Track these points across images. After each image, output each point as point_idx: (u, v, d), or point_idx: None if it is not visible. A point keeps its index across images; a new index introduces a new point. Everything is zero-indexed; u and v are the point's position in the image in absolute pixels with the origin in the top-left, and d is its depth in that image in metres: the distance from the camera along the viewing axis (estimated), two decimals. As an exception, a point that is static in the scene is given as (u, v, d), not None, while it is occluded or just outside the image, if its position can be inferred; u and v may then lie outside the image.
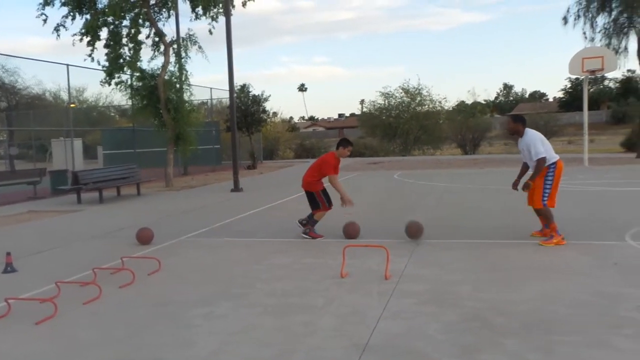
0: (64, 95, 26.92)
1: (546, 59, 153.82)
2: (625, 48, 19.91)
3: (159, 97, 15.40)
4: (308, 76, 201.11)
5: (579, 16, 19.82)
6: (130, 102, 18.44)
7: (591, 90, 71.35)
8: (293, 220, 8.84)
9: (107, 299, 4.67)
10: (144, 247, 6.92)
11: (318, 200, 7.01)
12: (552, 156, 6.26)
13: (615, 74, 73.62)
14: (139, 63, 15.47)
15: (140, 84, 15.62)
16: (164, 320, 4.09)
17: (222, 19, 15.75)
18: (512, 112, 74.85)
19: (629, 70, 65.91)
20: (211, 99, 24.86)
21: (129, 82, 15.87)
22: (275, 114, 42.60)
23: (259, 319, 4.06)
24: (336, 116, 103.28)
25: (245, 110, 23.51)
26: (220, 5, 15.88)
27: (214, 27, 16.63)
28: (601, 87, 73.29)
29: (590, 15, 19.63)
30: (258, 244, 6.98)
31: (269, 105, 42.49)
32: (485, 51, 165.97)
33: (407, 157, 31.26)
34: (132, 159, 18.25)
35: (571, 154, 23.36)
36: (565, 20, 20.20)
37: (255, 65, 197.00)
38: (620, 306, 3.99)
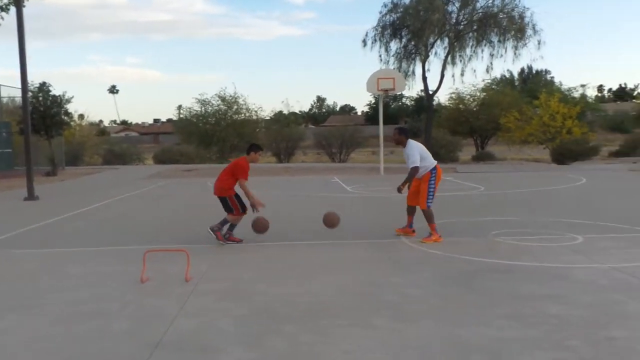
0: None
1: (354, 75, 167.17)
2: (413, 72, 22.86)
3: None
4: (120, 78, 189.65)
5: (375, 40, 22.24)
6: None
7: (392, 106, 79.58)
8: (93, 229, 8.48)
9: None
10: None
11: (231, 205, 6.91)
12: (432, 162, 6.97)
13: (411, 93, 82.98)
14: None
15: None
16: None
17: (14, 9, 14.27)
18: (325, 123, 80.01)
19: (422, 90, 75.77)
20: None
21: None
22: (81, 116, 39.53)
23: (49, 328, 3.93)
24: (151, 121, 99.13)
25: (44, 111, 21.47)
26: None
27: (2, 18, 14.99)
28: (400, 103, 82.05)
29: (384, 40, 22.15)
30: (52, 254, 6.59)
31: (73, 107, 39.23)
32: (300, 64, 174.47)
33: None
34: None
35: (371, 164, 25.90)
36: (364, 42, 22.47)
37: (58, 62, 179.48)
38: (385, 292, 4.73)
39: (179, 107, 43.35)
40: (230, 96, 36.83)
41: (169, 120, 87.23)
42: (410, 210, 7.35)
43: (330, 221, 7.06)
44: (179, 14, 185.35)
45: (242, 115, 36.95)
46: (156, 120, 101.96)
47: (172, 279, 5.25)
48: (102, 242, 7.28)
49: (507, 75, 72.16)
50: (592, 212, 9.32)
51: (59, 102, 22.10)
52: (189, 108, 37.56)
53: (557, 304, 4.27)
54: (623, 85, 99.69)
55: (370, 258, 6.11)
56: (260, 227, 6.83)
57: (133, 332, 3.81)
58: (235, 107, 36.76)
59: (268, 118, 42.81)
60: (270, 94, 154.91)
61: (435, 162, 7.08)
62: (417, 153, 6.94)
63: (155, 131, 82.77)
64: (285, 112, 49.08)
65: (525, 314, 4.04)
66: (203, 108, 36.74)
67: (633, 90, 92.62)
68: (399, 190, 7.12)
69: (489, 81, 40.45)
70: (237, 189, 7.00)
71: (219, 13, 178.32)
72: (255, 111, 37.77)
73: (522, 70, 75.67)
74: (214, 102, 36.76)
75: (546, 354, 3.31)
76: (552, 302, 4.31)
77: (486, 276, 5.18)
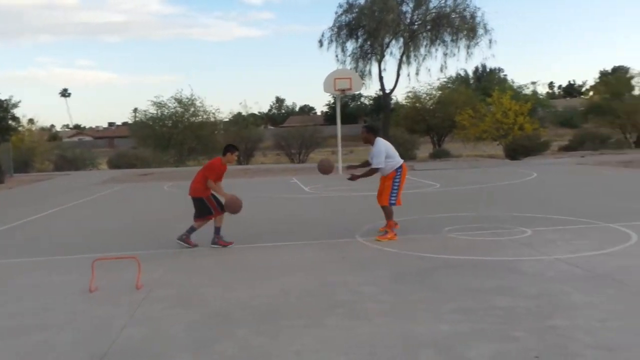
0: None
1: (313, 75, 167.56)
2: (370, 71, 23.08)
3: None
4: (72, 80, 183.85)
5: (332, 41, 22.35)
6: None
7: (351, 105, 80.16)
8: (41, 238, 8.22)
9: None
10: None
11: (209, 205, 6.83)
12: (398, 161, 7.03)
13: (370, 92, 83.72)
14: None
15: None
16: None
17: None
18: (284, 123, 79.88)
19: (380, 89, 76.51)
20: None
21: None
22: (31, 121, 38.19)
23: (-12, 344, 3.77)
24: (106, 125, 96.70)
25: (-10, 116, 20.67)
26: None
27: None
28: (359, 103, 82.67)
29: (341, 40, 22.28)
30: (-3, 265, 6.34)
31: (21, 111, 37.84)
32: (259, 65, 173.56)
33: (182, 168, 30.99)
34: None
35: (330, 163, 25.98)
36: (320, 43, 22.55)
37: (5, 65, 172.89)
38: (339, 291, 4.75)
39: (135, 109, 42.47)
40: (187, 98, 36.34)
41: (125, 124, 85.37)
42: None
43: (325, 168, 7.22)
44: (133, 15, 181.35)
45: (200, 117, 36.49)
46: (111, 124, 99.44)
47: (123, 287, 5.13)
48: (51, 251, 7.06)
49: (462, 73, 74.09)
50: (541, 205, 9.62)
51: (4, 107, 21.29)
52: (145, 111, 36.86)
53: (504, 296, 4.39)
54: (572, 82, 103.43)
55: (326, 258, 6.13)
56: (233, 208, 6.71)
57: (78, 344, 3.70)
58: (193, 109, 36.28)
59: (227, 120, 42.42)
60: (229, 95, 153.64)
61: (401, 161, 7.16)
62: (384, 154, 7.00)
63: (110, 135, 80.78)
64: (244, 113, 48.73)
65: (474, 308, 4.13)
66: (159, 111, 36.10)
67: (581, 86, 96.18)
68: (350, 177, 7.27)
69: (445, 80, 41.32)
70: None
71: (175, 13, 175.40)
72: (213, 113, 37.38)
73: (477, 68, 77.57)
74: (170, 104, 36.18)
75: (493, 345, 3.39)
76: (499, 295, 4.42)
77: (439, 272, 5.28)
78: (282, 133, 39.76)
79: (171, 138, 34.68)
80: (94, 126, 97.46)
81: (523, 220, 7.92)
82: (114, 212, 11.33)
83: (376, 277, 5.19)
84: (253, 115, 55.93)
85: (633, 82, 39.01)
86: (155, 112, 36.33)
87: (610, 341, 3.37)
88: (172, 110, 36.25)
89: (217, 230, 6.94)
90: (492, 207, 9.66)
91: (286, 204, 11.46)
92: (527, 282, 4.78)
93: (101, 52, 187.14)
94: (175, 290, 4.97)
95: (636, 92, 37.60)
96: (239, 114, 48.31)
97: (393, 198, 7.04)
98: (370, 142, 7.17)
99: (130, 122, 48.17)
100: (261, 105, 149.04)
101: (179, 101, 36.05)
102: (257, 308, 4.36)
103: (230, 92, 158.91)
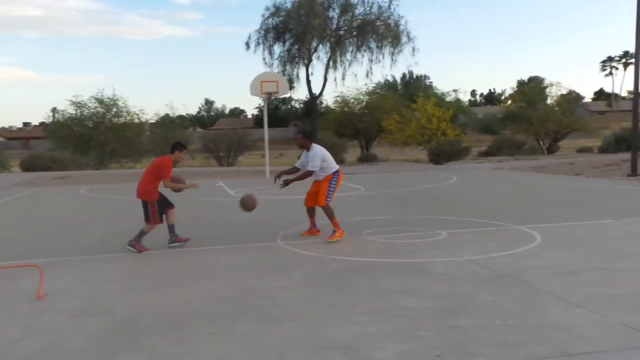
0: None
1: (243, 78, 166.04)
2: (298, 75, 23.16)
3: None
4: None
5: (259, 43, 22.22)
6: None
7: (282, 109, 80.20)
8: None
9: None
10: None
11: (150, 212, 6.56)
12: (334, 166, 7.22)
13: (300, 96, 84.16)
14: None
15: None
16: None
17: None
18: (214, 126, 78.64)
19: (317, 94, 76.88)
20: None
21: None
22: None
23: None
24: (21, 125, 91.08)
25: None
26: None
27: None
28: (289, 107, 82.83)
29: (268, 43, 22.20)
30: None
31: None
32: (187, 66, 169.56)
33: (103, 170, 29.74)
34: None
35: (259, 167, 25.82)
36: (247, 45, 22.36)
37: None
38: (254, 296, 4.70)
39: (54, 109, 40.21)
40: (109, 98, 34.88)
41: (42, 124, 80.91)
42: (311, 212, 7.51)
43: (247, 205, 7.20)
44: (51, 10, 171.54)
45: (123, 118, 35.15)
46: (26, 124, 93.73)
47: (22, 297, 4.82)
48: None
49: (391, 79, 76.10)
50: (458, 208, 10.02)
51: None
52: (63, 111, 35.04)
53: (413, 297, 4.51)
54: (492, 91, 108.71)
55: (244, 262, 6.06)
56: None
57: (-34, 360, 3.44)
58: (115, 109, 34.87)
59: (154, 121, 41.18)
60: (155, 96, 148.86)
61: (337, 167, 7.33)
62: (320, 158, 7.12)
63: (25, 135, 76.18)
64: (171, 114, 47.46)
65: (384, 309, 4.22)
66: (78, 111, 34.41)
67: (501, 95, 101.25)
68: (279, 178, 7.35)
69: (374, 85, 42.21)
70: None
71: (97, 9, 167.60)
72: (137, 114, 36.10)
73: (404, 75, 79.94)
74: (90, 104, 34.59)
75: (397, 346, 3.47)
76: (409, 296, 4.54)
77: (355, 274, 5.35)
78: (210, 136, 39.11)
79: (91, 139, 33.15)
80: (6, 126, 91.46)
81: (440, 223, 8.20)
82: (21, 217, 10.66)
83: (292, 280, 5.18)
84: (181, 117, 54.67)
85: (546, 91, 41.61)
86: (74, 112, 34.61)
87: (507, 339, 3.54)
88: (93, 110, 34.67)
89: (172, 227, 6.82)
90: (411, 210, 9.94)
91: (210, 207, 11.26)
92: (436, 283, 4.94)
93: (17, 47, 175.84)
94: (80, 299, 4.73)
95: (549, 101, 40.08)
96: (167, 115, 47.07)
97: (329, 198, 7.17)
98: (306, 148, 7.25)
99: (47, 122, 45.71)
100: (188, 107, 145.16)
101: (100, 101, 34.53)
102: (168, 315, 4.23)
103: (157, 93, 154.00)
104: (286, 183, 7.24)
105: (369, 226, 8.10)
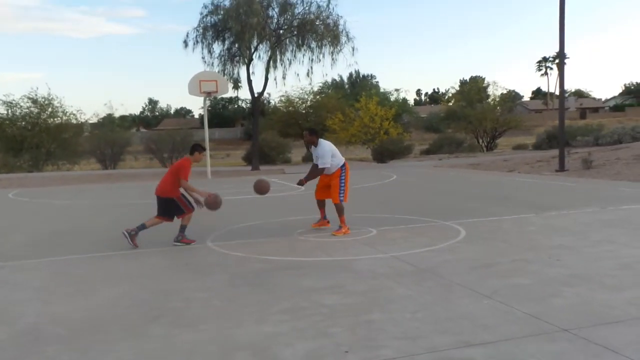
0: None
1: (188, 77, 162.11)
2: (239, 74, 22.91)
3: None
4: None
5: (197, 42, 21.81)
6: None
7: (229, 108, 79.28)
8: None
9: None
10: None
11: (181, 205, 6.95)
12: (341, 159, 7.45)
13: (246, 95, 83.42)
14: None
15: None
16: None
17: None
18: (159, 126, 76.82)
19: (258, 93, 76.00)
20: None
21: None
22: None
23: None
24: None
25: None
26: None
27: None
28: (236, 106, 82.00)
29: (207, 42, 21.83)
30: None
31: None
32: (129, 65, 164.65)
33: (36, 173, 28.49)
34: None
35: (201, 168, 25.40)
36: (185, 44, 21.92)
37: None
38: (171, 299, 4.60)
39: (-17, 109, 38.19)
40: (44, 98, 33.48)
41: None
42: (321, 204, 7.82)
43: (261, 188, 7.27)
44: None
45: (59, 119, 33.81)
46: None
47: None
48: None
49: (338, 79, 76.68)
50: (393, 206, 10.19)
51: None
52: (-6, 111, 33.36)
53: (333, 294, 4.54)
54: (436, 90, 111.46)
55: (167, 265, 5.93)
56: (214, 205, 6.90)
57: None
58: (50, 109, 33.50)
59: (94, 122, 39.89)
60: (95, 96, 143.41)
61: (344, 159, 7.58)
62: (329, 153, 7.34)
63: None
64: (113, 114, 46.06)
65: (302, 307, 4.23)
66: (10, 110, 32.85)
67: (444, 94, 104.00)
68: (301, 183, 7.54)
69: (321, 85, 42.38)
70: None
71: (33, 5, 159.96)
72: (74, 114, 34.83)
73: (351, 74, 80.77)
74: (23, 104, 33.09)
75: (308, 343, 3.48)
76: (330, 293, 4.57)
77: (278, 274, 5.34)
78: (152, 136, 38.26)
79: (24, 141, 31.72)
80: None
81: (372, 221, 8.31)
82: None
83: (214, 282, 5.12)
84: (123, 117, 53.11)
85: (487, 90, 43.04)
86: (5, 112, 33.02)
87: (414, 331, 3.62)
88: (26, 110, 33.19)
89: (183, 228, 7.01)
90: (347, 208, 10.01)
91: (145, 210, 10.96)
92: (358, 280, 5.00)
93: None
94: (-15, 308, 4.50)
95: (489, 99, 41.44)
96: (109, 115, 45.64)
97: (341, 194, 7.43)
98: (314, 144, 7.51)
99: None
100: (127, 107, 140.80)
101: (34, 101, 33.11)
102: (77, 323, 4.07)
103: (97, 92, 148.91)
104: (301, 182, 7.50)
105: (303, 225, 8.11)
